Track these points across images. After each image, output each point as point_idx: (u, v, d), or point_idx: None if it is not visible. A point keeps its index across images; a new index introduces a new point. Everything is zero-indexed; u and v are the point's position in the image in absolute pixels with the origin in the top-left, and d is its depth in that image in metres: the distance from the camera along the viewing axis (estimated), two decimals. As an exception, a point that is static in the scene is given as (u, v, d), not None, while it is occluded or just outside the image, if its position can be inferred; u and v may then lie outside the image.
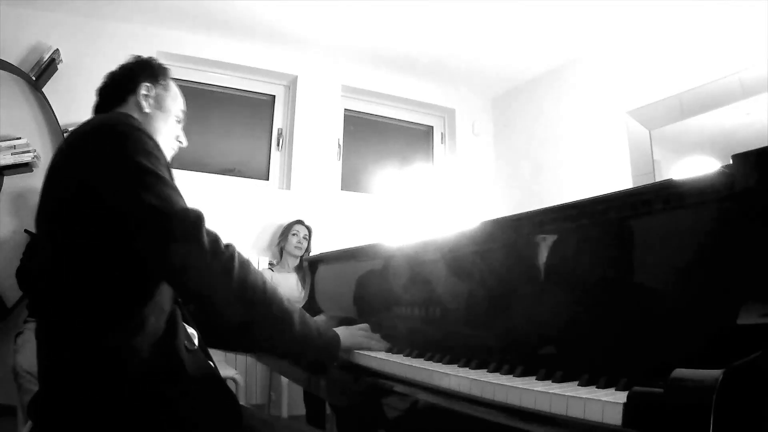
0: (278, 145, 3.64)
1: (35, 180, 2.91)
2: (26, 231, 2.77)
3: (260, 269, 3.16)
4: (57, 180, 0.90)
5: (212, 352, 1.06)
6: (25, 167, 2.85)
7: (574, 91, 3.55)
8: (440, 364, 0.94)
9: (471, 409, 0.74)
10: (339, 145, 3.77)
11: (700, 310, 0.65)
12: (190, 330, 0.99)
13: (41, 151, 2.92)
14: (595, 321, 0.78)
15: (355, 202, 3.72)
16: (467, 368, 0.87)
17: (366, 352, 1.09)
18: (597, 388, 0.66)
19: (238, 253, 0.87)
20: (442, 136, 4.21)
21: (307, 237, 3.21)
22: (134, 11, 3.11)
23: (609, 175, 3.21)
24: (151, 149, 0.88)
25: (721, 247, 0.66)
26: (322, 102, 3.69)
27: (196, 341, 0.99)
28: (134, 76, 1.12)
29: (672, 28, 2.95)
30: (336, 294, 1.63)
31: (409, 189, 3.88)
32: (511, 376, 0.79)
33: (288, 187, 3.53)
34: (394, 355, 1.06)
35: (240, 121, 3.65)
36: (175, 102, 1.17)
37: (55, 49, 2.94)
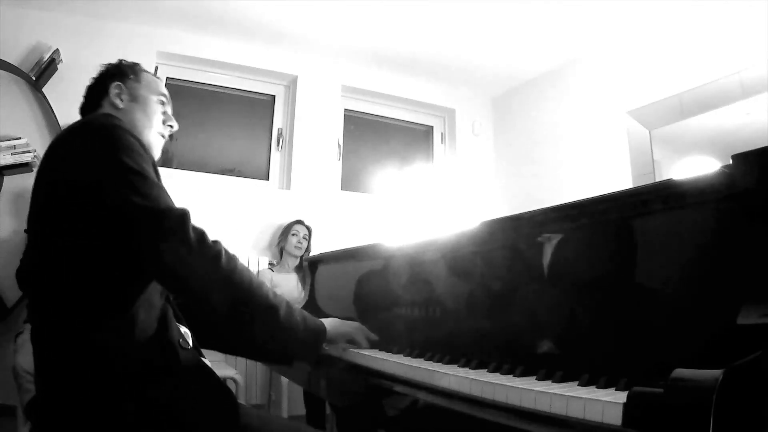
0: (278, 145, 3.64)
1: (35, 180, 2.91)
2: (26, 231, 2.76)
3: (260, 269, 3.16)
4: (44, 181, 0.91)
5: (210, 352, 1.06)
6: (25, 167, 2.85)
7: (574, 91, 3.55)
8: (440, 364, 0.94)
9: (471, 409, 0.74)
10: (339, 145, 3.77)
11: (700, 310, 0.65)
12: (183, 329, 0.99)
13: (41, 151, 2.91)
14: (595, 321, 0.78)
15: (355, 202, 3.72)
16: (467, 368, 0.87)
17: (365, 352, 1.09)
18: (597, 388, 0.66)
19: (225, 249, 0.88)
20: (442, 136, 4.21)
21: (307, 237, 3.21)
22: (134, 11, 3.11)
23: (609, 175, 3.21)
24: (134, 147, 0.89)
25: (721, 247, 0.66)
26: (322, 102, 3.69)
27: (189, 340, 0.99)
28: (102, 81, 1.13)
29: (672, 28, 2.95)
30: (336, 294, 1.63)
31: (409, 189, 3.88)
32: (511, 376, 0.79)
33: (288, 187, 3.53)
34: (394, 355, 1.06)
35: (240, 121, 3.65)
36: (150, 89, 1.16)
37: (55, 49, 2.94)
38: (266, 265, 3.23)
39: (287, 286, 3.04)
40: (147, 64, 3.46)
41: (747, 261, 0.61)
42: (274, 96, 3.71)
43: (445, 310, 1.09)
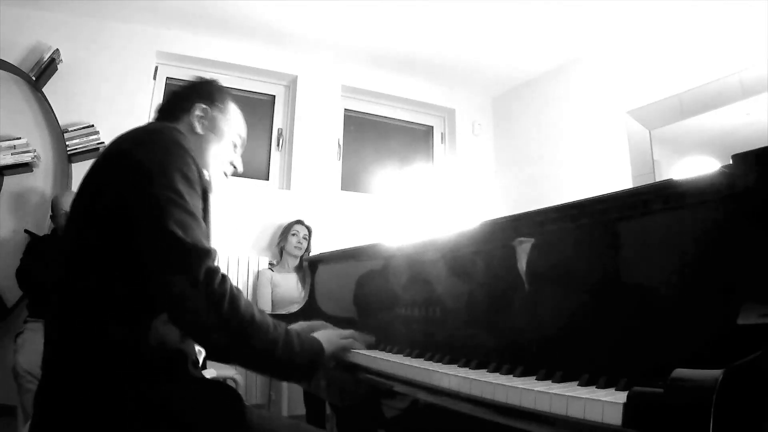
0: (278, 145, 3.64)
1: (35, 180, 2.91)
2: (26, 231, 2.77)
3: (260, 269, 3.16)
4: (97, 178, 0.91)
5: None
6: (25, 167, 2.85)
7: (574, 91, 3.55)
8: (440, 364, 0.94)
9: (471, 409, 0.74)
10: (339, 145, 3.77)
11: (700, 310, 0.65)
12: (198, 348, 0.99)
13: (41, 151, 2.93)
14: (595, 321, 0.78)
15: (355, 202, 3.72)
16: (467, 368, 0.87)
17: (365, 352, 1.09)
18: (597, 388, 0.66)
19: (231, 289, 0.86)
20: (442, 136, 4.21)
21: (307, 237, 3.21)
22: (134, 11, 3.11)
23: (609, 175, 3.21)
24: (189, 171, 0.87)
25: (721, 247, 0.66)
26: (322, 102, 3.69)
27: (201, 359, 1.00)
28: (190, 96, 1.12)
29: (672, 28, 2.95)
30: (336, 294, 1.63)
31: (409, 189, 3.88)
32: (511, 376, 0.79)
33: (288, 187, 3.54)
34: (394, 355, 1.06)
35: (240, 121, 3.65)
36: (232, 126, 1.15)
37: (55, 49, 2.94)
38: (266, 265, 3.23)
39: (287, 286, 3.04)
40: (147, 64, 3.47)
41: (747, 261, 0.61)
42: (274, 96, 3.71)
43: (445, 310, 1.09)
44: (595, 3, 2.91)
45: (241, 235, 3.28)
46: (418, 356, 1.03)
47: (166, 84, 3.32)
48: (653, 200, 0.73)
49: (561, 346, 0.81)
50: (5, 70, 2.88)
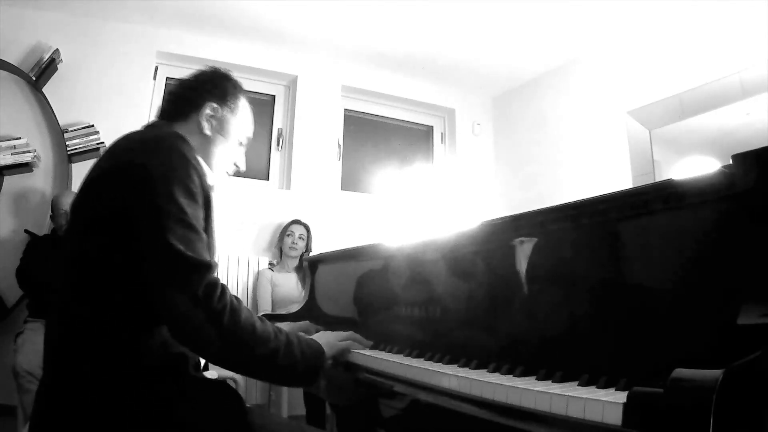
0: (278, 145, 3.64)
1: (35, 180, 2.91)
2: (26, 231, 2.77)
3: (260, 269, 3.16)
4: (100, 182, 0.90)
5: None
6: (25, 167, 2.85)
7: (574, 91, 3.55)
8: (440, 364, 0.94)
9: (471, 409, 0.74)
10: (339, 145, 3.77)
11: (700, 310, 0.65)
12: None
13: (41, 151, 2.93)
14: (595, 321, 0.78)
15: (355, 202, 3.72)
16: (467, 368, 0.87)
17: (365, 352, 1.09)
18: (597, 388, 0.66)
19: (231, 302, 0.85)
20: (442, 136, 4.21)
21: (304, 237, 3.21)
22: (134, 11, 3.11)
23: (609, 175, 3.21)
24: (191, 184, 0.87)
25: (721, 247, 0.66)
26: (322, 102, 3.69)
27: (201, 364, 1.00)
28: (202, 93, 1.08)
29: (672, 28, 2.95)
30: (336, 294, 1.62)
31: (409, 189, 3.87)
32: (511, 376, 0.79)
33: (288, 187, 3.54)
34: (394, 355, 1.06)
35: (240, 121, 3.65)
36: (241, 127, 1.13)
37: (55, 49, 2.94)
38: (266, 265, 3.23)
39: (287, 286, 3.04)
40: (147, 64, 3.47)
41: (747, 261, 0.61)
42: (274, 96, 3.71)
43: (445, 310, 1.09)
44: (595, 3, 2.91)
45: (241, 235, 3.28)
46: (418, 356, 1.03)
47: (166, 84, 3.32)
48: (653, 200, 0.73)
49: (561, 346, 0.81)
50: (5, 70, 2.88)
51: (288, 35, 3.40)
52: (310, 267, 1.78)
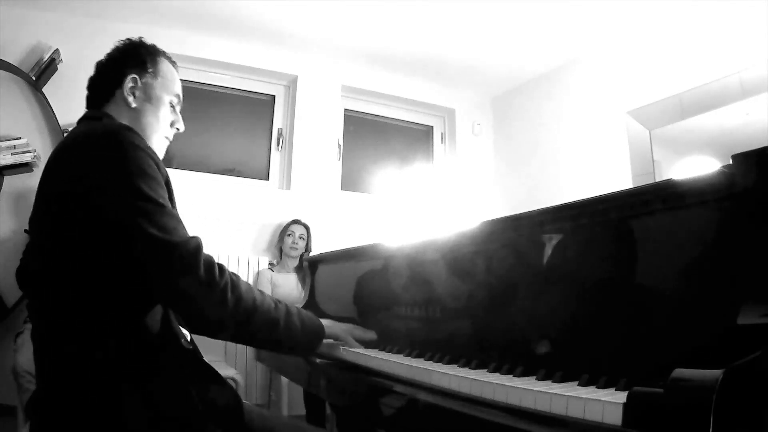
0: (278, 145, 3.64)
1: (35, 180, 2.88)
2: (26, 231, 2.76)
3: (260, 269, 3.16)
4: (51, 191, 0.89)
5: (211, 351, 1.08)
6: (25, 167, 2.85)
7: (574, 91, 3.55)
8: (440, 364, 0.94)
9: (471, 409, 0.74)
10: (339, 145, 3.77)
11: (700, 310, 0.65)
12: (184, 331, 0.99)
13: (41, 151, 2.92)
14: (595, 321, 0.78)
15: (355, 202, 3.72)
16: (467, 368, 0.87)
17: (365, 352, 1.09)
18: (597, 388, 0.66)
19: (230, 277, 0.88)
20: (442, 136, 4.21)
21: (304, 237, 3.21)
22: (134, 11, 3.11)
23: (609, 175, 3.21)
24: (151, 171, 0.86)
25: (721, 247, 0.66)
26: (322, 102, 3.69)
27: (188, 339, 0.99)
28: (120, 68, 1.06)
29: (672, 28, 2.95)
30: (336, 294, 1.63)
31: (409, 189, 3.88)
32: (511, 376, 0.79)
33: (288, 187, 3.54)
34: (394, 355, 1.06)
35: (240, 121, 3.65)
36: (167, 88, 1.10)
37: (55, 49, 2.94)
38: (266, 266, 3.23)
39: (287, 286, 3.04)
40: (147, 64, 3.43)
41: (747, 261, 0.61)
42: (274, 96, 3.71)
43: (445, 310, 1.09)
44: (595, 3, 2.91)
45: (241, 235, 3.28)
46: (418, 356, 1.03)
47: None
48: (653, 200, 0.73)
49: (561, 346, 0.81)
50: (5, 70, 2.88)
51: (288, 35, 3.40)
52: (310, 267, 1.78)
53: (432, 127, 4.22)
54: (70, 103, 2.97)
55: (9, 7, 2.93)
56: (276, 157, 3.63)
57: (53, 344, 0.86)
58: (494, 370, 0.83)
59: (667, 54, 2.97)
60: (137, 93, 1.06)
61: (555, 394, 0.62)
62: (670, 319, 0.67)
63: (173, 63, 1.15)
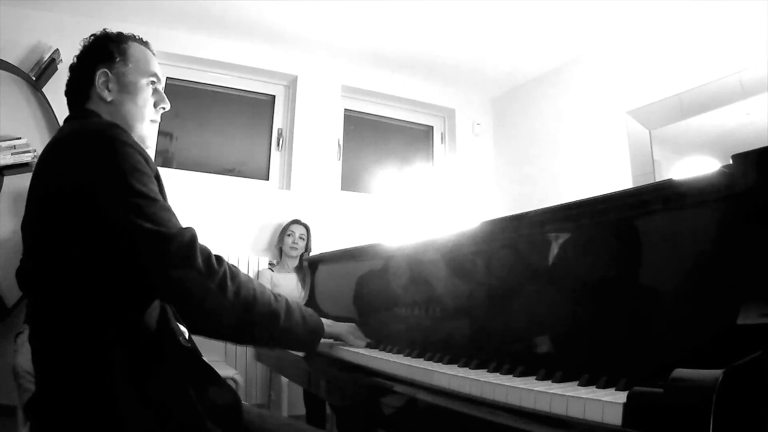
0: (278, 145, 3.64)
1: (35, 180, 2.91)
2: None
3: (260, 269, 3.16)
4: (40, 192, 0.89)
5: (211, 351, 1.07)
6: (25, 167, 2.85)
7: (574, 91, 3.55)
8: (440, 364, 0.94)
9: (471, 409, 0.74)
10: (339, 145, 3.77)
11: (700, 310, 0.65)
12: (182, 328, 0.99)
13: (41, 152, 2.92)
14: (595, 321, 0.78)
15: (355, 202, 3.72)
16: (467, 368, 0.87)
17: (365, 352, 1.09)
18: (597, 388, 0.66)
19: (228, 267, 0.88)
20: (442, 136, 4.21)
21: (304, 237, 3.21)
22: (134, 11, 3.11)
23: (609, 175, 3.21)
24: (140, 166, 0.86)
25: (721, 247, 0.66)
26: (322, 102, 3.69)
27: (187, 336, 0.99)
28: (88, 65, 1.03)
29: (672, 28, 2.95)
30: (336, 294, 1.63)
31: (409, 189, 3.88)
32: (511, 376, 0.79)
33: (288, 187, 3.54)
34: (394, 355, 1.06)
35: (240, 121, 3.65)
36: (140, 71, 1.06)
37: (55, 49, 2.94)
38: (266, 265, 3.23)
39: (287, 286, 3.04)
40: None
41: (747, 261, 0.61)
42: (274, 96, 3.71)
43: (445, 310, 1.09)
44: (595, 3, 2.91)
45: (241, 235, 3.28)
46: (418, 356, 1.03)
47: (166, 84, 3.31)
48: (653, 200, 0.73)
49: (561, 346, 0.81)
50: (5, 70, 2.88)
51: (288, 35, 3.40)
52: (310, 267, 1.78)
53: (432, 127, 4.22)
54: (70, 103, 2.98)
55: (9, 7, 2.93)
56: (276, 157, 3.63)
57: (51, 344, 0.86)
58: (494, 370, 0.83)
59: (667, 54, 2.97)
60: (111, 85, 1.03)
61: (555, 394, 0.62)
62: (670, 319, 0.67)
63: (145, 43, 1.12)
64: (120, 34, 1.09)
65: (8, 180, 2.85)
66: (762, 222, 0.60)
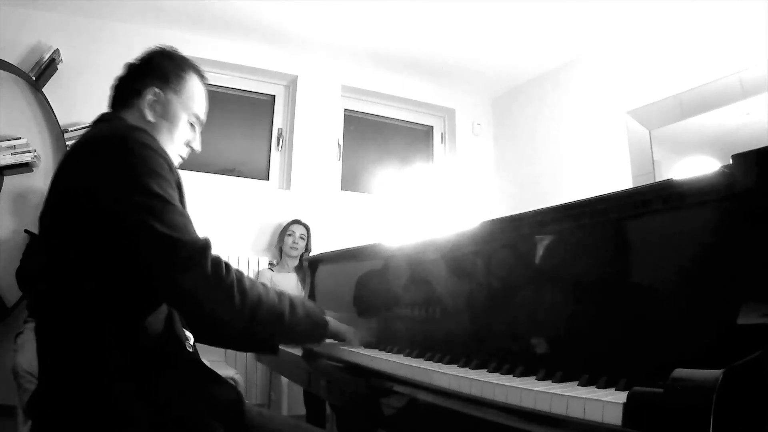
0: (278, 145, 3.64)
1: (35, 180, 2.91)
2: (26, 231, 2.77)
3: (260, 269, 3.16)
4: (62, 187, 0.89)
5: (211, 351, 1.08)
6: (25, 167, 2.85)
7: (574, 91, 3.55)
8: (440, 364, 0.94)
9: (471, 409, 0.74)
10: (339, 145, 3.77)
11: (700, 310, 0.65)
12: (187, 333, 1.00)
13: (41, 151, 2.93)
14: (595, 321, 0.78)
15: (355, 202, 3.72)
16: (467, 368, 0.87)
17: (365, 352, 1.09)
18: (597, 388, 0.66)
19: (236, 273, 0.88)
20: (442, 136, 4.21)
21: (305, 237, 3.21)
22: (134, 11, 3.11)
23: (609, 175, 3.21)
24: (161, 170, 0.86)
25: (721, 247, 0.66)
26: (322, 102, 3.70)
27: (191, 342, 1.00)
28: (143, 78, 1.04)
29: (672, 28, 2.95)
30: (336, 294, 1.63)
31: (409, 189, 3.87)
32: (511, 376, 0.79)
33: (288, 187, 3.54)
34: (394, 355, 1.06)
35: (240, 121, 3.65)
36: (187, 108, 1.07)
37: (55, 49, 2.94)
38: (266, 265, 3.23)
39: (287, 286, 3.04)
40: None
41: (747, 261, 0.61)
42: (274, 96, 3.71)
43: (445, 310, 1.09)
44: (595, 3, 2.91)
45: (241, 235, 3.28)
46: (418, 356, 1.03)
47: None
48: (653, 200, 0.73)
49: (561, 346, 0.81)
50: (5, 70, 2.88)
51: (288, 35, 3.40)
52: (310, 267, 1.78)
53: (432, 127, 4.22)
54: (70, 103, 2.98)
55: (9, 7, 2.93)
56: (276, 157, 3.63)
57: (56, 341, 0.86)
58: (494, 370, 0.83)
59: (667, 54, 2.97)
60: (156, 107, 1.03)
61: (555, 394, 0.62)
62: (670, 319, 0.67)
63: (202, 77, 1.12)
64: (183, 60, 1.09)
65: (8, 180, 2.85)
66: (762, 222, 0.60)
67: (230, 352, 3.02)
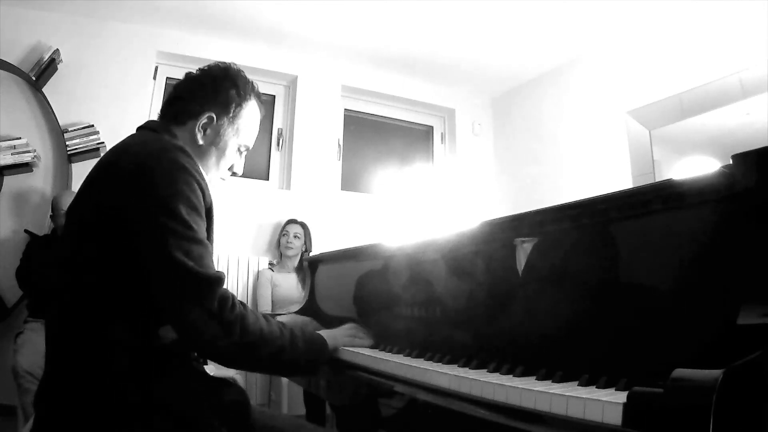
0: (278, 145, 3.64)
1: (35, 180, 2.91)
2: (26, 231, 2.77)
3: (260, 269, 3.16)
4: (100, 190, 0.89)
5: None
6: (25, 167, 2.85)
7: (574, 91, 3.55)
8: (440, 364, 0.94)
9: (471, 408, 0.74)
10: (339, 145, 3.77)
11: (700, 310, 0.65)
12: None
13: (41, 151, 2.93)
14: (595, 321, 0.78)
15: (355, 202, 3.72)
16: (467, 368, 0.87)
17: (365, 352, 1.09)
18: (597, 388, 0.66)
19: (241, 311, 0.87)
20: (442, 136, 4.21)
21: (299, 235, 3.20)
22: (134, 11, 3.11)
23: (609, 175, 3.21)
24: (194, 197, 0.86)
25: (720, 247, 0.66)
26: (322, 102, 3.69)
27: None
28: (204, 101, 1.02)
29: (672, 28, 2.95)
30: (336, 294, 1.62)
31: (409, 189, 3.87)
32: (511, 376, 0.79)
33: (288, 187, 3.54)
34: (394, 355, 1.06)
35: (240, 121, 3.65)
36: (238, 136, 1.07)
37: (55, 49, 2.94)
38: (266, 265, 3.23)
39: (287, 286, 3.04)
40: (147, 64, 3.46)
41: (747, 261, 0.61)
42: (274, 96, 3.71)
43: (445, 310, 1.09)
44: (595, 3, 2.91)
45: (241, 235, 3.28)
46: (418, 356, 1.03)
47: (166, 84, 3.32)
48: (653, 200, 0.73)
49: (561, 346, 0.81)
50: (5, 70, 2.88)
51: (288, 35, 3.40)
52: (310, 267, 1.78)
53: (432, 127, 4.22)
54: (70, 102, 2.98)
55: (9, 7, 2.93)
56: (276, 157, 3.63)
57: (69, 339, 0.86)
58: (494, 370, 0.83)
59: (667, 54, 2.97)
60: (208, 131, 1.03)
61: (555, 394, 0.62)
62: (670, 320, 0.67)
63: (261, 106, 1.11)
64: (248, 88, 1.07)
65: (8, 180, 2.85)
66: (762, 222, 0.60)
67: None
